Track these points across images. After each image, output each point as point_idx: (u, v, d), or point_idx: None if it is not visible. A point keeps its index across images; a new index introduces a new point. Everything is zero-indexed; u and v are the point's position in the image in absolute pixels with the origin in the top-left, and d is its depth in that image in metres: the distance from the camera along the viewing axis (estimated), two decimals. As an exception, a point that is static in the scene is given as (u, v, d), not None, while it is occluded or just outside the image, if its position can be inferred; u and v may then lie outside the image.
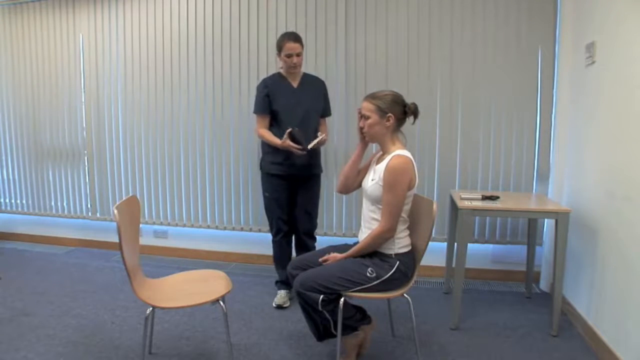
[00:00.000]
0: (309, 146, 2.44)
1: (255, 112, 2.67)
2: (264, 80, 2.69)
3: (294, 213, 2.74)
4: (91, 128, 3.75)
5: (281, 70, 2.68)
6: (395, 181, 1.83)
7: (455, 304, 2.41)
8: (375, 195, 1.92)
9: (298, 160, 2.59)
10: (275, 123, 2.65)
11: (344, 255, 1.96)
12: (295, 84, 2.66)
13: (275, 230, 2.75)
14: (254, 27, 3.30)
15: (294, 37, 2.55)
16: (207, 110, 3.45)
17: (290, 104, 2.62)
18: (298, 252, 2.80)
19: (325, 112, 2.78)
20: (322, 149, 2.86)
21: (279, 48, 2.57)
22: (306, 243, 2.75)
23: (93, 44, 3.66)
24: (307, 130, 2.63)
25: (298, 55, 2.55)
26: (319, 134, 2.60)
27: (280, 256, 2.79)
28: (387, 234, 1.88)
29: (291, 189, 2.70)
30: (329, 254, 2.02)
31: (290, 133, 2.44)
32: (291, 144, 2.45)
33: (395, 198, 1.84)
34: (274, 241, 2.78)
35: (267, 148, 2.67)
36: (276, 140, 2.54)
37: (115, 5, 3.56)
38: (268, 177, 2.69)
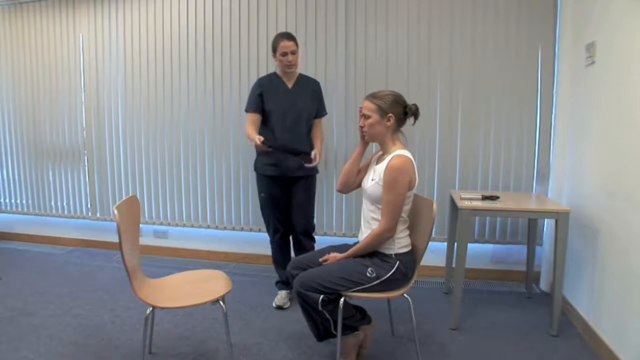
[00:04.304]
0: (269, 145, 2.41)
1: (246, 109, 2.66)
2: (259, 80, 2.69)
3: (290, 213, 2.74)
4: (91, 128, 3.75)
5: (277, 71, 2.68)
6: (395, 181, 1.83)
7: (455, 304, 2.41)
8: (375, 195, 1.92)
9: (292, 163, 2.59)
10: (267, 123, 2.65)
11: (343, 255, 1.96)
12: (290, 85, 2.66)
13: (273, 231, 2.75)
14: (254, 26, 3.30)
15: (288, 36, 2.55)
16: (207, 110, 3.45)
17: (283, 104, 2.61)
18: (296, 253, 2.79)
19: (320, 112, 2.78)
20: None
21: (274, 48, 2.57)
22: (303, 243, 2.74)
23: (93, 44, 3.66)
24: (299, 131, 2.64)
25: (293, 53, 2.55)
26: (313, 153, 2.57)
27: (280, 257, 2.79)
28: (387, 233, 1.88)
29: (286, 190, 2.70)
30: (329, 254, 2.02)
31: (263, 142, 2.39)
32: (261, 145, 2.39)
33: (395, 198, 1.84)
34: (272, 242, 2.79)
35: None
36: (253, 136, 2.45)
37: (115, 5, 3.56)
38: (262, 178, 2.70)
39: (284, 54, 2.54)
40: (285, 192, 2.70)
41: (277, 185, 2.67)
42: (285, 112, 2.61)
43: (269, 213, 2.73)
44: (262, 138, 2.38)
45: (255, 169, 2.74)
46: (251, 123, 2.59)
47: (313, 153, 2.62)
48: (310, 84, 2.74)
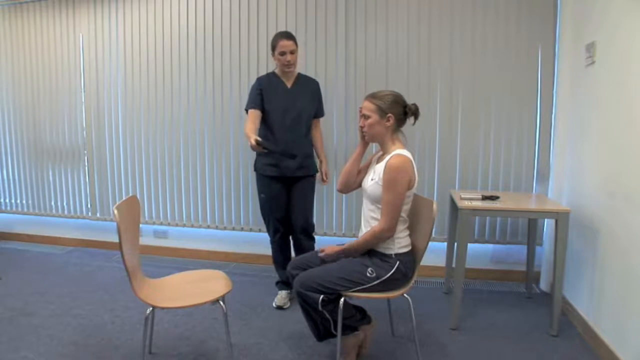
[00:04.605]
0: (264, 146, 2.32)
1: (247, 107, 2.63)
2: (259, 79, 2.68)
3: (290, 213, 2.73)
4: (91, 128, 3.75)
5: (276, 70, 2.67)
6: (394, 180, 1.83)
7: (455, 304, 2.41)
8: (374, 195, 1.92)
9: (292, 163, 2.60)
10: (266, 123, 2.63)
11: (341, 247, 1.96)
12: (289, 85, 2.65)
13: (273, 231, 2.74)
14: (254, 27, 3.30)
15: (287, 35, 2.54)
16: (207, 110, 3.45)
17: (283, 104, 2.61)
18: (296, 253, 2.78)
19: (318, 113, 2.77)
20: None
21: (273, 47, 2.56)
22: (303, 243, 2.73)
23: (93, 44, 3.66)
24: (299, 131, 2.63)
25: (292, 52, 2.53)
26: (320, 178, 2.78)
27: (280, 257, 2.79)
28: (386, 233, 1.88)
29: (286, 189, 2.69)
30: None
31: (258, 143, 2.30)
32: (256, 146, 2.30)
33: (394, 197, 1.84)
34: (272, 242, 2.78)
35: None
36: (249, 135, 2.37)
37: (115, 5, 3.56)
38: (262, 178, 2.69)
39: (283, 53, 2.53)
40: (285, 192, 2.70)
41: (277, 186, 2.66)
42: (285, 111, 2.61)
43: (269, 213, 2.72)
44: (259, 139, 2.32)
45: (255, 169, 2.73)
46: (251, 121, 2.57)
47: (324, 171, 2.79)
48: (310, 83, 2.73)
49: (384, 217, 1.87)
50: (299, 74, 2.71)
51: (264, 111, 2.62)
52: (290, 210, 2.72)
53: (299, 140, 2.64)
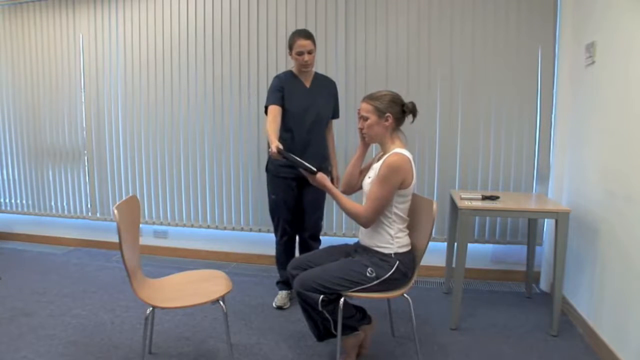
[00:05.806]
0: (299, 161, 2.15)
1: (267, 103, 2.51)
2: (278, 76, 2.59)
3: (298, 215, 2.71)
4: (91, 128, 3.75)
5: (293, 69, 2.60)
6: (387, 177, 1.83)
7: (455, 304, 2.41)
8: (371, 193, 1.92)
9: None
10: (284, 122, 2.54)
11: (332, 189, 1.93)
12: (307, 84, 2.59)
13: (281, 232, 2.70)
14: (254, 26, 3.30)
15: (305, 34, 2.46)
16: (207, 110, 3.46)
17: (304, 104, 2.54)
18: (302, 254, 2.76)
19: (335, 114, 2.73)
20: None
21: (290, 46, 2.49)
22: (311, 246, 2.71)
23: (93, 44, 3.66)
24: (319, 132, 2.60)
25: (309, 52, 2.46)
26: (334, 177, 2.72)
27: (284, 257, 2.75)
28: (363, 220, 1.89)
29: (299, 191, 2.64)
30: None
31: (279, 152, 2.19)
32: (276, 154, 2.19)
33: (382, 193, 1.84)
34: (278, 243, 2.74)
35: None
36: (272, 140, 2.27)
37: (115, 5, 3.57)
38: (276, 179, 2.63)
39: (300, 53, 2.45)
40: (297, 194, 2.65)
41: (291, 186, 2.61)
42: (305, 112, 2.54)
43: (280, 215, 2.67)
44: (281, 147, 2.17)
45: (267, 170, 2.67)
46: (273, 119, 2.43)
47: (334, 176, 2.72)
48: (327, 83, 2.67)
49: (368, 207, 1.86)
50: (316, 73, 2.64)
51: (283, 110, 2.52)
52: (303, 211, 2.68)
53: (318, 142, 2.59)
